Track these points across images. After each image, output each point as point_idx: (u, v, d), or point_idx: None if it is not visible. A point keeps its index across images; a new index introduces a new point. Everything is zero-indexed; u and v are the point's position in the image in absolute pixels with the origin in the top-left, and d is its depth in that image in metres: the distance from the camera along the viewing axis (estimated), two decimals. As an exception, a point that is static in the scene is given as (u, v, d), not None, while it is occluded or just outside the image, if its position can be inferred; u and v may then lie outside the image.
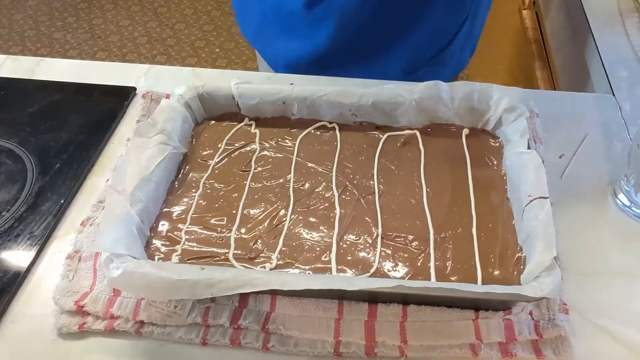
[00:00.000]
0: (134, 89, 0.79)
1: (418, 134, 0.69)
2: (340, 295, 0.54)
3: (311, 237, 0.59)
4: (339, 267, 0.56)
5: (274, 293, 0.55)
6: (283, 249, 0.58)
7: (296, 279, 0.51)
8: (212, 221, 0.60)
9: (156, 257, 0.57)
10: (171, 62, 2.38)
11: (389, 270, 0.56)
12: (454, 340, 0.52)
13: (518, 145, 0.63)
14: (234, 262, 0.57)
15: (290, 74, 0.81)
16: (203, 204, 0.62)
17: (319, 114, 0.70)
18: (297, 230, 0.59)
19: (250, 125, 0.71)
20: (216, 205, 0.62)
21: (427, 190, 0.63)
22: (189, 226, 0.60)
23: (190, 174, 0.65)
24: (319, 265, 0.56)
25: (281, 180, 0.64)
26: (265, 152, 0.68)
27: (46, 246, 0.61)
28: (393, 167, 0.65)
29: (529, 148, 0.63)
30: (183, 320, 0.53)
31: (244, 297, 0.55)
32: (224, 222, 0.60)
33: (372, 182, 0.64)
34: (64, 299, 0.55)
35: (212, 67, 2.33)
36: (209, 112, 0.72)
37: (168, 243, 0.58)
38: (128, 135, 0.72)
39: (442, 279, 0.55)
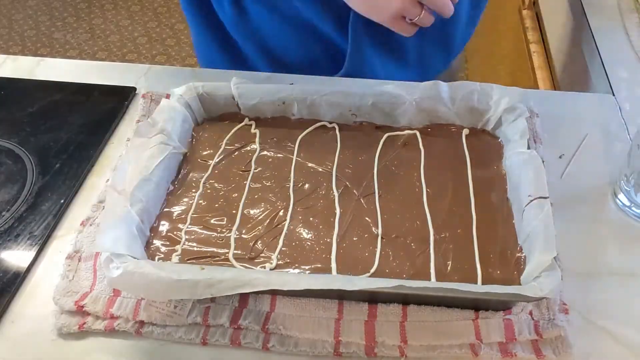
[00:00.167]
0: (134, 89, 0.79)
1: (418, 134, 0.69)
2: (340, 295, 0.54)
3: (311, 237, 0.59)
4: (339, 267, 0.56)
5: (274, 293, 0.55)
6: (283, 249, 0.58)
7: (296, 279, 0.51)
8: (212, 221, 0.60)
9: (156, 257, 0.57)
10: (171, 62, 2.38)
11: (389, 270, 0.56)
12: (454, 340, 0.52)
13: (518, 145, 0.63)
14: (234, 262, 0.57)
15: (290, 73, 0.81)
16: (203, 204, 0.62)
17: (319, 114, 0.70)
18: (297, 230, 0.59)
19: (250, 125, 0.71)
20: (216, 205, 0.62)
21: (427, 190, 0.63)
22: (189, 226, 0.60)
23: (190, 174, 0.65)
24: (319, 265, 0.56)
25: (281, 180, 0.64)
26: (265, 152, 0.68)
27: (46, 246, 0.61)
28: (393, 167, 0.65)
29: (529, 148, 0.63)
30: (183, 320, 0.54)
31: (244, 297, 0.55)
32: (224, 222, 0.60)
33: (372, 182, 0.64)
34: (64, 299, 0.55)
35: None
36: (209, 112, 0.72)
37: (168, 243, 0.58)
38: (128, 135, 0.72)
39: (442, 279, 0.55)
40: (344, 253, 0.57)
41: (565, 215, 0.62)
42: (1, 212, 0.64)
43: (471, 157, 0.66)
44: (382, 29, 0.72)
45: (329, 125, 0.70)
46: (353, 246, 0.58)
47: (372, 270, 0.56)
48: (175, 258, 0.57)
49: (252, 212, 0.61)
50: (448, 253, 0.57)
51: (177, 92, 0.69)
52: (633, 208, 0.63)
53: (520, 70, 1.29)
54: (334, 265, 0.56)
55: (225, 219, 0.61)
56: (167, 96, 0.75)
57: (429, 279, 0.55)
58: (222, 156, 0.67)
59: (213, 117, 0.72)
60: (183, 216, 0.61)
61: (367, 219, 0.60)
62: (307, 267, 0.56)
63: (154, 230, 0.59)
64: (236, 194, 0.63)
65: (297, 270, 0.56)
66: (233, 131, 0.70)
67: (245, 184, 0.64)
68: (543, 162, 0.62)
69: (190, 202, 0.62)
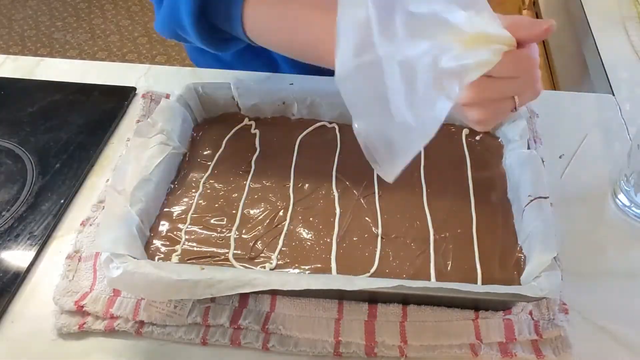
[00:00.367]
0: (134, 89, 0.79)
1: (418, 134, 0.68)
2: (340, 295, 0.54)
3: (311, 237, 0.59)
4: (339, 267, 0.56)
5: (274, 293, 0.55)
6: (283, 249, 0.58)
7: (296, 279, 0.51)
8: (212, 221, 0.60)
9: (156, 257, 0.57)
10: (171, 62, 2.38)
11: (389, 271, 0.56)
12: (454, 340, 0.52)
13: (518, 145, 0.63)
14: (234, 262, 0.57)
15: (290, 73, 0.81)
16: (203, 204, 0.62)
17: (319, 114, 0.70)
18: (297, 230, 0.59)
19: (250, 125, 0.70)
20: (216, 205, 0.62)
21: (427, 190, 0.63)
22: (189, 226, 0.60)
23: (190, 174, 0.65)
24: (319, 265, 0.56)
25: (281, 180, 0.64)
26: (265, 152, 0.67)
27: (46, 246, 0.61)
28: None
29: (529, 148, 0.63)
30: (183, 320, 0.53)
31: (244, 297, 0.55)
32: (224, 222, 0.60)
33: (372, 182, 0.64)
34: (64, 299, 0.55)
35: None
36: (209, 112, 0.72)
37: (168, 243, 0.58)
38: (128, 135, 0.72)
39: (442, 279, 0.55)
40: (344, 253, 0.57)
41: (565, 215, 0.62)
42: (1, 212, 0.64)
43: (471, 157, 0.66)
44: None
45: (329, 125, 0.70)
46: (353, 246, 0.58)
47: (372, 270, 0.56)
48: (175, 258, 0.57)
49: (252, 212, 0.61)
50: (448, 253, 0.57)
51: (177, 92, 0.69)
52: (633, 208, 0.63)
53: (520, 70, 1.29)
54: (334, 265, 0.56)
55: (225, 219, 0.61)
56: (167, 96, 0.75)
57: (429, 279, 0.55)
58: (222, 156, 0.67)
59: (213, 117, 0.72)
60: (183, 216, 0.61)
61: (367, 219, 0.60)
62: (307, 267, 0.56)
63: (154, 230, 0.59)
64: (236, 194, 0.63)
65: (297, 270, 0.56)
66: (233, 131, 0.70)
67: (245, 184, 0.64)
68: (543, 162, 0.62)
69: (190, 202, 0.62)
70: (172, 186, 0.64)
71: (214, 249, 0.58)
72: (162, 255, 0.57)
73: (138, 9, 2.68)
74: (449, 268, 0.56)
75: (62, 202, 0.65)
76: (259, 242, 0.58)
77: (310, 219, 0.60)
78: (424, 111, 0.46)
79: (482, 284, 0.54)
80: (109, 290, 0.56)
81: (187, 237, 0.59)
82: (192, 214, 0.61)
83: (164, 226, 0.60)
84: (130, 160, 0.61)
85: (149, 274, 0.50)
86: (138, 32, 2.54)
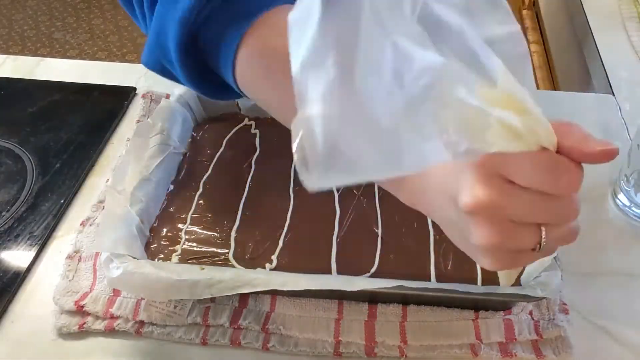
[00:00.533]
0: (134, 89, 0.79)
1: (418, 134, 0.68)
2: (340, 295, 0.54)
3: (311, 237, 0.59)
4: (339, 267, 0.56)
5: (274, 293, 0.55)
6: (283, 249, 0.58)
7: (296, 279, 0.51)
8: (212, 221, 0.60)
9: (156, 257, 0.57)
10: (171, 62, 2.38)
11: (389, 271, 0.56)
12: (454, 340, 0.52)
13: (518, 145, 0.63)
14: (234, 262, 0.57)
15: None
16: (203, 204, 0.62)
17: (319, 114, 0.70)
18: (297, 231, 0.59)
19: (250, 125, 0.70)
20: (216, 205, 0.62)
21: (427, 190, 0.63)
22: (189, 226, 0.60)
23: (190, 174, 0.65)
24: (319, 265, 0.56)
25: (281, 180, 0.64)
26: (265, 152, 0.67)
27: (46, 246, 0.61)
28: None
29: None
30: (183, 320, 0.54)
31: (244, 297, 0.55)
32: (224, 222, 0.60)
33: (372, 182, 0.64)
34: (64, 299, 0.55)
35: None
36: (209, 112, 0.72)
37: (168, 243, 0.58)
38: (128, 135, 0.72)
39: (442, 279, 0.55)
40: (344, 253, 0.57)
41: (565, 215, 0.62)
42: (1, 212, 0.64)
43: (471, 157, 0.66)
44: None
45: (329, 125, 0.70)
46: (353, 246, 0.58)
47: (372, 271, 0.56)
48: (175, 258, 0.57)
49: (252, 212, 0.61)
50: (448, 253, 0.57)
51: (177, 92, 0.69)
52: (633, 208, 0.63)
53: (520, 70, 1.28)
54: (334, 265, 0.56)
55: (225, 219, 0.61)
56: (167, 96, 0.75)
57: (429, 279, 0.55)
58: (222, 156, 0.67)
59: (213, 117, 0.72)
60: (183, 216, 0.61)
61: (367, 219, 0.60)
62: (307, 267, 0.56)
63: (154, 230, 0.59)
64: (236, 194, 0.63)
65: (297, 271, 0.56)
66: (233, 131, 0.70)
67: (245, 184, 0.64)
68: (543, 162, 0.61)
69: (190, 202, 0.62)
70: (172, 186, 0.64)
71: (214, 249, 0.58)
72: (162, 255, 0.57)
73: (138, 9, 2.67)
74: (449, 268, 0.56)
75: (62, 202, 0.65)
76: (259, 242, 0.58)
77: (310, 218, 0.60)
78: (409, 132, 0.31)
79: (482, 284, 0.54)
80: (109, 290, 0.56)
81: (187, 237, 0.59)
82: (192, 214, 0.61)
83: (164, 226, 0.60)
84: (130, 160, 0.61)
85: (149, 274, 0.50)
86: (138, 32, 2.54)
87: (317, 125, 0.30)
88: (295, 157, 0.31)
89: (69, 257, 0.59)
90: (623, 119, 0.74)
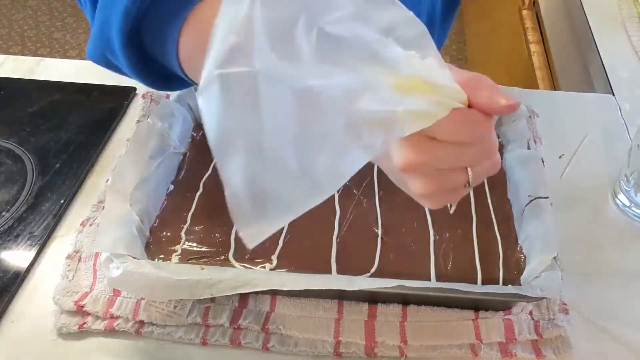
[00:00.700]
0: (134, 89, 0.79)
1: (418, 134, 0.68)
2: (340, 295, 0.54)
3: (311, 237, 0.59)
4: (339, 267, 0.56)
5: (274, 293, 0.55)
6: (283, 249, 0.58)
7: (296, 279, 0.51)
8: (212, 221, 0.60)
9: (156, 257, 0.57)
10: (171, 62, 2.38)
11: (389, 271, 0.56)
12: (454, 340, 0.52)
13: (518, 145, 0.63)
14: (233, 262, 0.57)
15: None
16: (203, 204, 0.62)
17: (319, 114, 0.70)
18: (297, 230, 0.59)
19: (250, 125, 0.70)
20: (216, 206, 0.62)
21: (427, 190, 0.63)
22: (189, 226, 0.60)
23: (190, 174, 0.65)
24: (319, 265, 0.56)
25: (281, 180, 0.64)
26: (265, 152, 0.67)
27: (46, 246, 0.61)
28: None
29: (528, 148, 0.63)
30: (183, 320, 0.53)
31: (244, 297, 0.55)
32: (224, 222, 0.60)
33: (372, 182, 0.64)
34: (64, 299, 0.55)
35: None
36: (209, 112, 0.71)
37: (168, 243, 0.58)
38: (128, 135, 0.72)
39: (442, 279, 0.55)
40: (344, 253, 0.57)
41: (565, 215, 0.62)
42: (1, 212, 0.64)
43: (471, 157, 0.66)
44: None
45: (329, 125, 0.70)
46: (353, 246, 0.58)
47: (372, 270, 0.56)
48: (175, 258, 0.57)
49: (252, 212, 0.61)
50: (448, 253, 0.57)
51: (177, 92, 0.69)
52: (633, 208, 0.63)
53: (520, 70, 1.29)
54: (334, 265, 0.56)
55: (226, 219, 0.60)
56: (167, 96, 0.75)
57: (429, 279, 0.55)
58: (222, 156, 0.67)
59: (213, 117, 0.72)
60: (183, 216, 0.61)
61: (367, 219, 0.60)
62: (307, 267, 0.56)
63: (154, 230, 0.59)
64: (236, 194, 0.63)
65: (297, 271, 0.56)
66: (233, 131, 0.70)
67: (245, 184, 0.64)
68: (543, 162, 0.62)
69: (190, 202, 0.62)
70: (172, 186, 0.64)
71: (214, 249, 0.58)
72: (162, 255, 0.57)
73: (138, 9, 2.67)
74: (449, 268, 0.56)
75: (62, 202, 0.65)
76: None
77: (310, 218, 0.60)
78: (323, 161, 0.35)
79: (482, 284, 0.54)
80: (109, 290, 0.56)
81: (187, 237, 0.59)
82: (192, 214, 0.61)
83: (164, 226, 0.60)
84: (130, 160, 0.61)
85: (149, 274, 0.50)
86: (138, 32, 2.54)
87: (241, 195, 0.35)
88: (234, 220, 0.35)
89: (69, 257, 0.59)
90: (623, 119, 0.74)
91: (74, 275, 0.58)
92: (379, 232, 0.59)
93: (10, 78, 0.82)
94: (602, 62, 0.83)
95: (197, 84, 0.47)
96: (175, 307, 0.54)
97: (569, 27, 1.01)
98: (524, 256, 0.56)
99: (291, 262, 0.57)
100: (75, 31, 2.55)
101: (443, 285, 0.51)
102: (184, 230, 0.59)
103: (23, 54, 2.39)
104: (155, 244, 0.58)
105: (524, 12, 1.26)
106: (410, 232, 0.59)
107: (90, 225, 0.62)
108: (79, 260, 0.59)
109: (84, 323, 0.54)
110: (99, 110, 0.76)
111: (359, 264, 0.56)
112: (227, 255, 0.57)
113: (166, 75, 0.54)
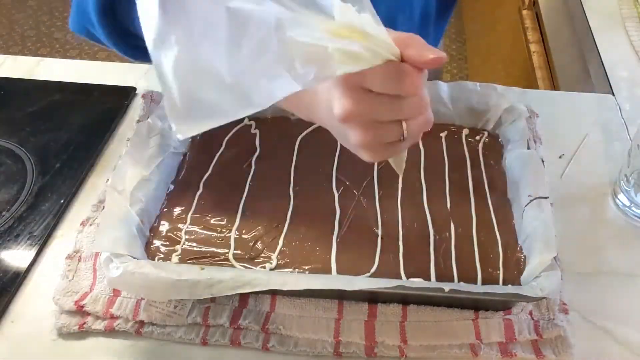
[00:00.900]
0: (134, 89, 0.79)
1: (418, 134, 0.68)
2: (340, 295, 0.54)
3: (311, 237, 0.59)
4: (339, 267, 0.56)
5: (274, 293, 0.55)
6: (283, 249, 0.58)
7: (296, 279, 0.51)
8: (212, 221, 0.60)
9: (156, 257, 0.57)
10: (171, 62, 2.38)
11: (389, 271, 0.56)
12: (454, 340, 0.52)
13: (518, 145, 0.64)
14: (233, 262, 0.57)
15: None
16: (203, 204, 0.62)
17: (319, 114, 0.70)
18: (297, 230, 0.59)
19: (250, 125, 0.70)
20: (216, 205, 0.62)
21: (427, 190, 0.63)
22: (189, 226, 0.60)
23: (190, 174, 0.65)
24: (319, 265, 0.56)
25: (281, 180, 0.64)
26: (265, 152, 0.67)
27: (46, 246, 0.61)
28: (393, 167, 0.65)
29: (528, 148, 0.63)
30: (183, 320, 0.54)
31: (244, 297, 0.55)
32: (224, 222, 0.60)
33: (372, 182, 0.64)
34: (64, 299, 0.55)
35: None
36: (209, 112, 0.71)
37: (168, 243, 0.58)
38: (128, 135, 0.72)
39: (442, 279, 0.55)
40: (344, 253, 0.57)
41: (565, 215, 0.62)
42: (1, 212, 0.64)
43: (471, 157, 0.66)
44: None
45: (329, 125, 0.70)
46: (353, 246, 0.58)
47: (372, 270, 0.56)
48: (175, 258, 0.57)
49: (252, 212, 0.61)
50: (448, 253, 0.57)
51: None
52: (633, 208, 0.63)
53: (520, 70, 1.29)
54: (334, 265, 0.56)
55: (225, 219, 0.61)
56: (167, 96, 0.75)
57: (429, 279, 0.55)
58: (222, 156, 0.67)
59: (213, 117, 0.72)
60: (183, 216, 0.61)
61: (367, 219, 0.60)
62: (307, 267, 0.56)
63: (154, 230, 0.59)
64: (236, 194, 0.63)
65: (297, 271, 0.56)
66: (233, 131, 0.70)
67: (245, 184, 0.64)
68: (543, 162, 0.62)
69: (190, 202, 0.62)
70: (172, 186, 0.64)
71: (214, 249, 0.58)
72: (162, 255, 0.57)
73: (138, 9, 2.67)
74: (449, 268, 0.56)
75: (62, 202, 0.65)
76: (259, 242, 0.58)
77: (310, 219, 0.60)
78: (254, 77, 0.38)
79: (482, 284, 0.54)
80: (109, 290, 0.56)
81: (187, 237, 0.59)
82: (192, 214, 0.61)
83: (164, 226, 0.60)
84: (130, 160, 0.61)
85: (149, 274, 0.50)
86: (138, 32, 2.54)
87: (173, 89, 0.37)
88: (167, 113, 0.37)
89: (69, 257, 0.59)
90: (623, 119, 0.74)
91: (74, 275, 0.58)
92: (379, 232, 0.59)
93: (10, 78, 0.82)
94: (602, 62, 0.83)
95: None
96: (175, 307, 0.54)
97: (569, 27, 1.01)
98: (524, 256, 0.56)
99: (291, 262, 0.57)
100: (75, 31, 2.54)
101: (443, 285, 0.51)
102: (184, 230, 0.59)
103: (23, 54, 2.39)
104: (155, 244, 0.58)
105: (524, 12, 1.26)
106: (410, 232, 0.59)
107: (90, 225, 0.62)
108: (79, 260, 0.59)
109: (84, 323, 0.54)
110: (99, 110, 0.76)
111: (359, 264, 0.56)
112: (227, 255, 0.57)
113: (142, 47, 0.55)
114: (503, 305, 0.54)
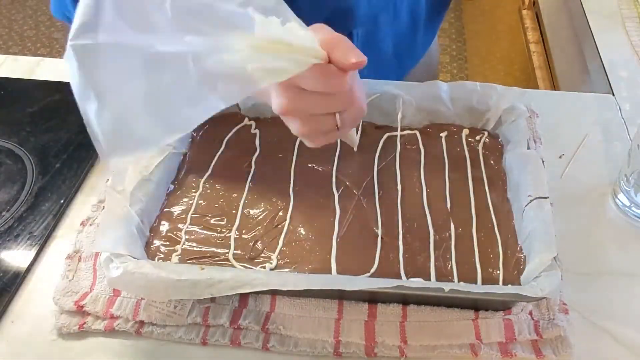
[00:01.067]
0: (134, 89, 0.79)
1: (418, 134, 0.69)
2: (340, 295, 0.54)
3: (311, 237, 0.59)
4: (339, 267, 0.56)
5: (274, 293, 0.55)
6: (283, 249, 0.58)
7: (296, 279, 0.51)
8: (212, 221, 0.60)
9: (156, 257, 0.57)
10: (171, 62, 2.38)
11: (389, 271, 0.56)
12: (454, 340, 0.52)
13: (518, 145, 0.63)
14: (233, 262, 0.57)
15: None
16: (203, 204, 0.62)
17: (318, 114, 0.70)
18: (297, 230, 0.59)
19: (250, 125, 0.70)
20: (216, 206, 0.62)
21: (427, 190, 0.63)
22: (189, 226, 0.60)
23: (190, 174, 0.65)
24: (319, 266, 0.56)
25: (281, 180, 0.64)
26: (265, 152, 0.67)
27: (46, 246, 0.61)
28: (393, 167, 0.65)
29: (528, 148, 0.63)
30: (183, 320, 0.53)
31: (244, 297, 0.55)
32: (224, 222, 0.60)
33: (372, 182, 0.64)
34: (64, 299, 0.55)
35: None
36: (209, 112, 0.71)
37: (168, 243, 0.58)
38: (128, 135, 0.72)
39: (442, 279, 0.55)
40: (344, 253, 0.57)
41: (565, 215, 0.62)
42: (1, 212, 0.64)
43: (471, 157, 0.66)
44: None
45: (329, 125, 0.70)
46: (353, 246, 0.58)
47: (372, 270, 0.56)
48: (175, 258, 0.57)
49: (252, 212, 0.61)
50: (448, 253, 0.57)
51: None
52: (633, 208, 0.63)
53: (520, 70, 1.29)
54: (334, 265, 0.56)
55: (225, 219, 0.61)
56: (167, 96, 0.75)
57: (429, 279, 0.55)
58: (222, 156, 0.67)
59: (213, 117, 0.71)
60: (183, 216, 0.61)
61: (367, 219, 0.60)
62: (307, 267, 0.56)
63: (154, 230, 0.59)
64: (236, 194, 0.63)
65: (297, 271, 0.56)
66: (233, 131, 0.70)
67: (245, 184, 0.64)
68: (543, 162, 0.62)
69: (190, 202, 0.62)
70: (172, 186, 0.64)
71: (214, 249, 0.58)
72: (162, 255, 0.57)
73: (138, 9, 2.67)
74: (449, 268, 0.56)
75: (62, 202, 0.65)
76: (259, 242, 0.58)
77: (310, 218, 0.60)
78: (174, 108, 0.43)
79: (482, 284, 0.54)
80: (109, 290, 0.56)
81: (187, 237, 0.59)
82: (192, 214, 0.61)
83: (164, 226, 0.60)
84: (130, 160, 0.61)
85: (149, 274, 0.50)
86: (138, 32, 2.53)
87: (98, 134, 0.43)
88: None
89: (69, 257, 0.59)
90: (623, 119, 0.74)
91: (74, 275, 0.58)
92: (379, 232, 0.59)
93: (10, 78, 0.82)
94: (602, 62, 0.83)
95: None
96: (175, 307, 0.54)
97: (569, 27, 1.01)
98: (524, 256, 0.56)
99: (291, 262, 0.57)
100: (75, 31, 2.54)
101: (443, 285, 0.51)
102: (184, 230, 0.59)
103: (23, 54, 2.39)
104: (155, 244, 0.58)
105: (524, 11, 1.26)
106: (410, 232, 0.59)
107: (90, 225, 0.62)
108: (79, 260, 0.59)
109: (84, 323, 0.54)
110: (99, 110, 0.76)
111: (359, 264, 0.56)
112: (227, 255, 0.57)
113: None
114: (503, 305, 0.54)
